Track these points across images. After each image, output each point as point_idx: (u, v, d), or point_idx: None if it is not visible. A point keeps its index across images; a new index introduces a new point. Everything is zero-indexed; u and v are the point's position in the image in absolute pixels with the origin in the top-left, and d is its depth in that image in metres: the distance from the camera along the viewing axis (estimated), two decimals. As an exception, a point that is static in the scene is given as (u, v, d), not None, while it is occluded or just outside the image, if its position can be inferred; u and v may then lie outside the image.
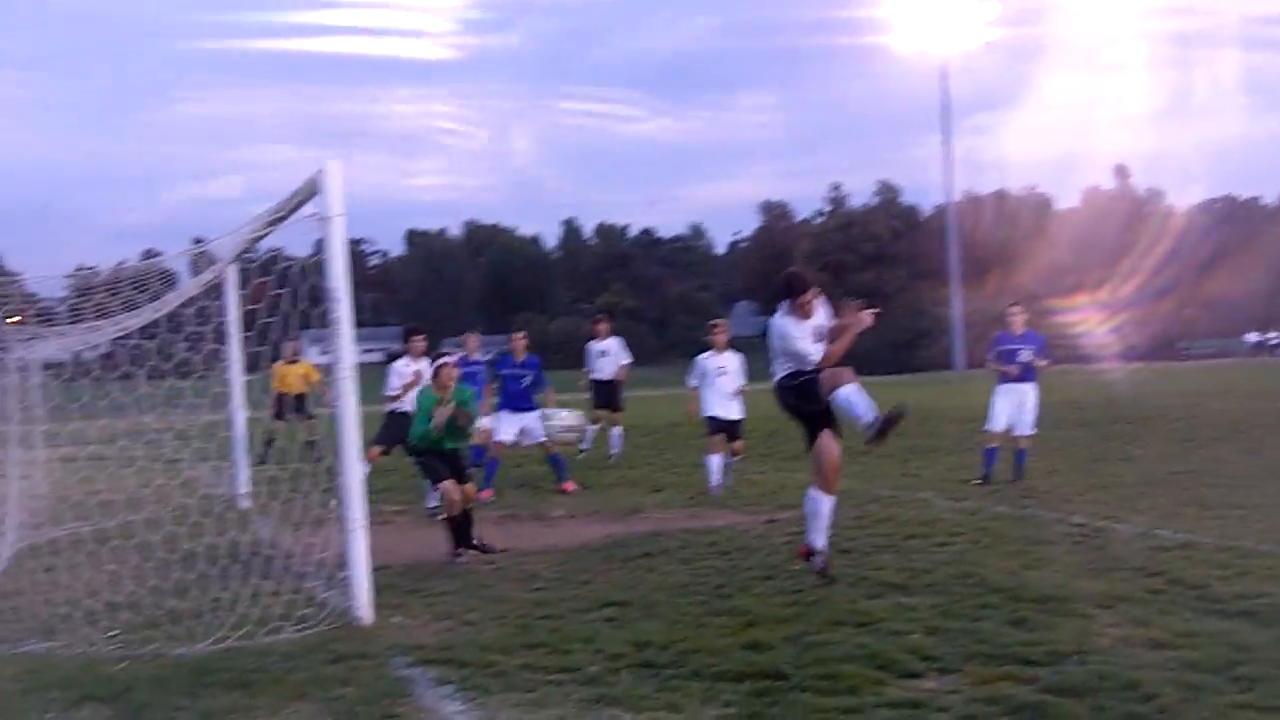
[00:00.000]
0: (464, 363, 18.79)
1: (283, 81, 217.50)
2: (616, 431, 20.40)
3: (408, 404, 13.43)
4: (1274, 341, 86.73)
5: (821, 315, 10.05)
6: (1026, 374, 15.40)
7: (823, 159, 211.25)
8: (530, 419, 16.45)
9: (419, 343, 15.00)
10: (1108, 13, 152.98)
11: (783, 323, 9.83)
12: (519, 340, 16.91)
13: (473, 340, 19.30)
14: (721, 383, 15.26)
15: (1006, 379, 15.27)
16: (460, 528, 11.47)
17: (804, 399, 9.69)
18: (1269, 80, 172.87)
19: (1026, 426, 15.19)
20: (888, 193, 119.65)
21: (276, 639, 8.40)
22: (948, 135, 74.94)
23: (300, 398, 21.72)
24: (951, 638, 7.73)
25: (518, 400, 16.49)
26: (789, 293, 9.92)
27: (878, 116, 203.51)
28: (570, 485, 16.36)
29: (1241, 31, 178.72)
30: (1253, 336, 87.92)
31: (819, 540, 9.62)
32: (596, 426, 20.18)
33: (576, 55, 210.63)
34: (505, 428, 16.43)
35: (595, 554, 11.49)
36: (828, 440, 9.65)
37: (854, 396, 9.35)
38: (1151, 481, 15.02)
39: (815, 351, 9.77)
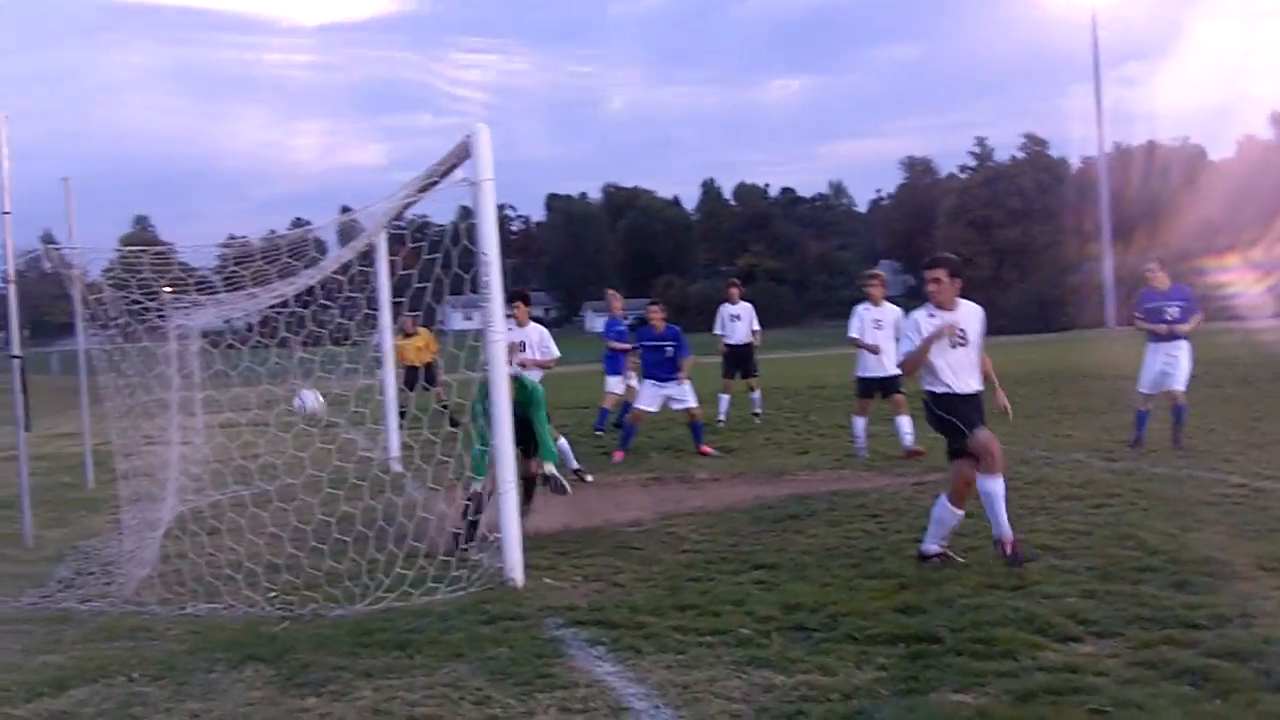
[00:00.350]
0: (610, 324, 19.02)
1: (426, 49, 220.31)
2: (756, 395, 20.37)
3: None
4: None
5: (960, 310, 9.19)
6: (1176, 331, 14.81)
7: (966, 113, 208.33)
8: (673, 388, 16.48)
9: (521, 309, 14.44)
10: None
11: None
12: (655, 313, 16.85)
13: (617, 301, 19.40)
14: (876, 337, 15.06)
15: (1157, 338, 14.74)
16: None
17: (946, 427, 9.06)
18: None
19: (1178, 383, 14.58)
20: (1034, 145, 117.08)
21: (431, 600, 8.57)
22: (1098, 85, 72.95)
23: (426, 368, 21.85)
24: (1110, 601, 7.58)
25: (661, 371, 16.53)
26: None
27: (1023, 68, 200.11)
28: (707, 449, 16.38)
29: None
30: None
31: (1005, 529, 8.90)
32: (727, 397, 20.14)
33: (716, 13, 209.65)
34: (648, 397, 16.51)
35: (742, 516, 11.49)
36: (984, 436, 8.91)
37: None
38: (1313, 440, 14.52)
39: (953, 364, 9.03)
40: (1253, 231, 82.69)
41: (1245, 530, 9.51)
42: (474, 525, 10.25)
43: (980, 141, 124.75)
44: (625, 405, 18.42)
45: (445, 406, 20.67)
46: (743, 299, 20.39)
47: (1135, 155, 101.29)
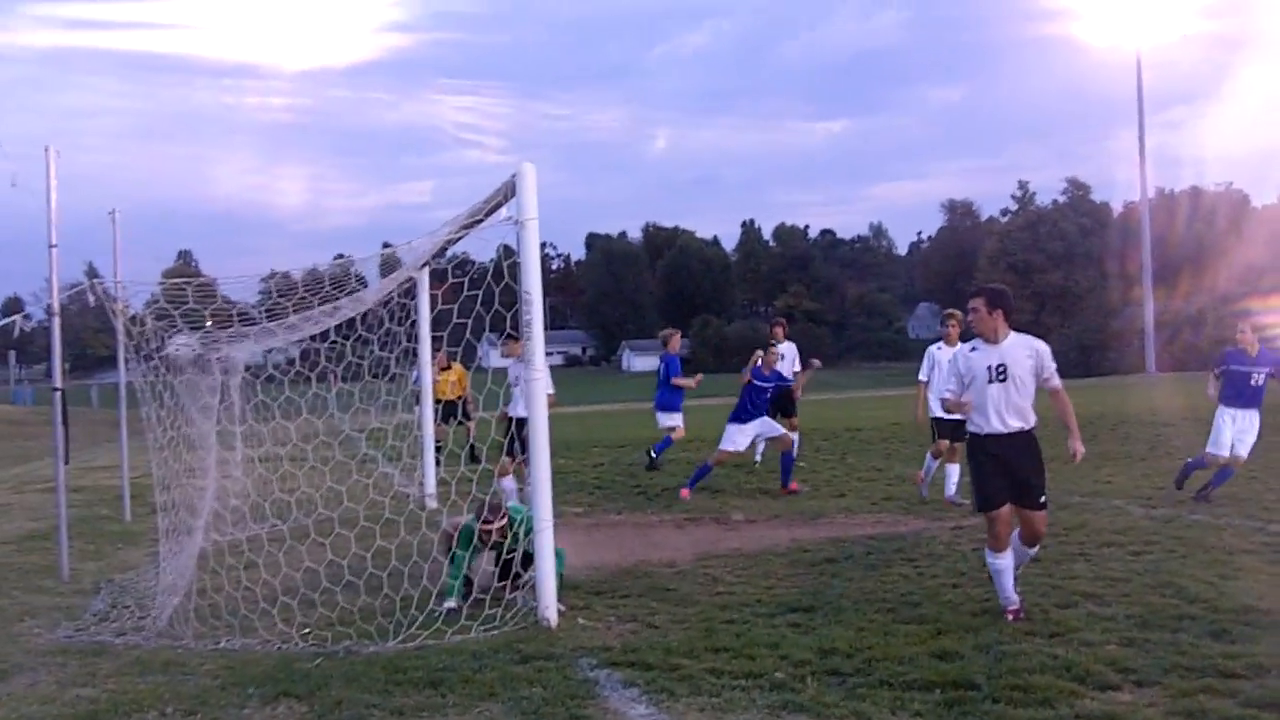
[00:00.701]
0: (671, 361, 19.12)
1: (476, 89, 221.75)
2: (794, 437, 20.24)
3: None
4: None
5: (1006, 343, 8.82)
6: (1256, 397, 14.24)
7: (1009, 156, 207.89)
8: (760, 423, 16.60)
9: (515, 344, 14.33)
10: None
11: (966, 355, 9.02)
12: (774, 353, 17.13)
13: (675, 339, 19.44)
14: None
15: (1234, 402, 14.21)
16: None
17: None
18: None
19: (1244, 450, 14.19)
20: (1077, 190, 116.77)
21: (465, 638, 8.56)
22: (1141, 130, 72.71)
23: (456, 403, 21.79)
24: (1149, 649, 7.51)
25: (758, 411, 16.60)
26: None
27: (1067, 112, 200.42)
28: (795, 485, 16.45)
29: None
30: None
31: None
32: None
33: (760, 55, 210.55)
34: (739, 438, 16.57)
35: (778, 559, 11.44)
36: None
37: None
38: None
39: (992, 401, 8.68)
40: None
41: (1288, 580, 9.40)
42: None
43: (1022, 185, 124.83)
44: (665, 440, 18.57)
45: (473, 446, 20.74)
46: (787, 338, 20.29)
47: (1178, 200, 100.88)
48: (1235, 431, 14.09)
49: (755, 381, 16.57)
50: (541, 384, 9.21)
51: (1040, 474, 8.65)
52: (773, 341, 17.34)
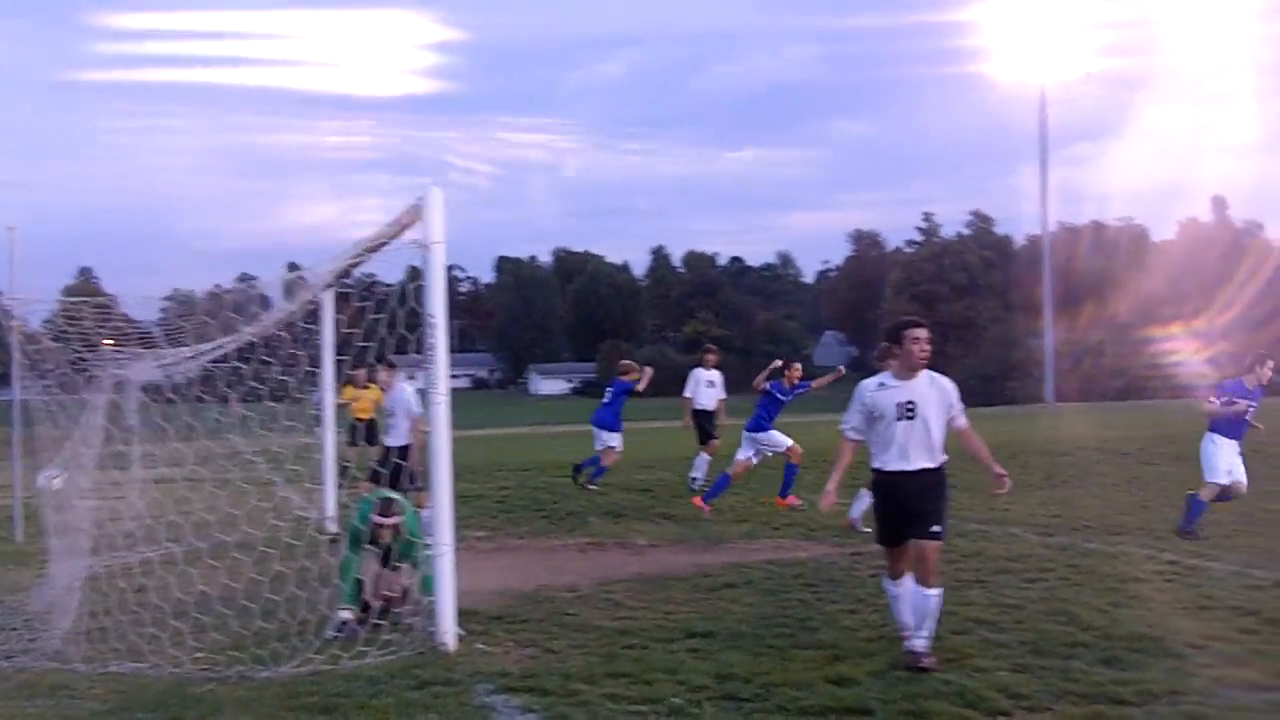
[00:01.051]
0: (619, 385, 19.59)
1: (380, 112, 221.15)
2: (703, 459, 20.29)
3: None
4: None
5: (917, 379, 8.44)
6: (1242, 429, 14.13)
7: (915, 189, 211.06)
8: (769, 435, 16.87)
9: (386, 373, 14.93)
10: (1207, 43, 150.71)
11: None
12: (796, 369, 17.27)
13: (634, 371, 20.05)
14: None
15: (1233, 433, 14.03)
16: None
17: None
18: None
19: (1245, 478, 14.06)
20: (981, 222, 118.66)
21: (361, 664, 8.47)
22: (1044, 165, 74.12)
23: (371, 424, 21.54)
24: (1041, 676, 7.62)
25: (770, 423, 16.92)
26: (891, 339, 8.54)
27: (973, 146, 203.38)
28: (794, 500, 16.76)
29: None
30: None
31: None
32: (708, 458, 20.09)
33: (674, 86, 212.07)
34: (752, 450, 16.88)
35: (680, 584, 11.44)
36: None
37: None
38: (1247, 519, 14.65)
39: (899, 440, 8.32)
40: (1193, 306, 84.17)
41: (1175, 607, 9.60)
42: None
43: (928, 217, 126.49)
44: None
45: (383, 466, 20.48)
46: (717, 366, 20.40)
47: (1080, 234, 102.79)
48: (1232, 462, 14.07)
49: (775, 394, 16.80)
50: (443, 408, 9.14)
51: (940, 508, 8.35)
52: (795, 362, 17.54)
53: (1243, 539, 13.19)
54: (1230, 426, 14.00)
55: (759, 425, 16.86)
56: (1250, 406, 13.95)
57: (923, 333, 8.33)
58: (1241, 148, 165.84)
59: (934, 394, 8.33)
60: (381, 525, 9.70)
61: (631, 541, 14.43)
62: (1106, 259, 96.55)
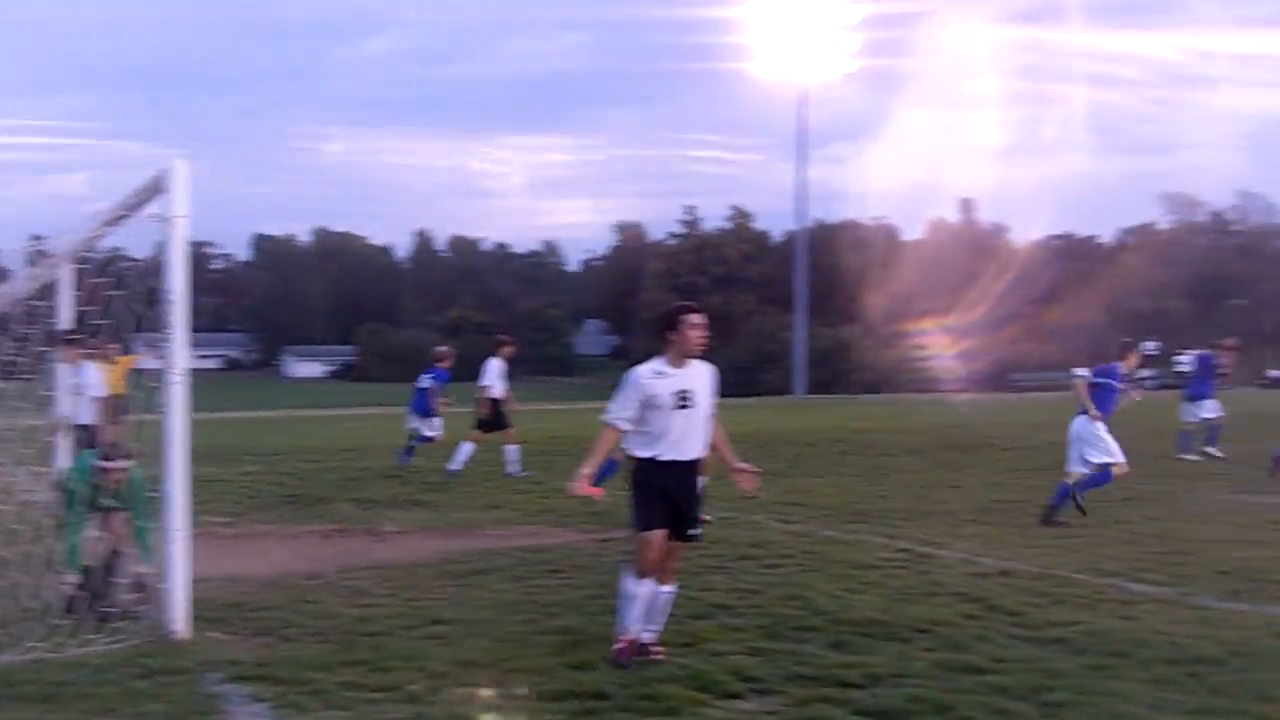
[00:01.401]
0: (438, 372, 19.50)
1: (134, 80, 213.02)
2: (466, 448, 20.22)
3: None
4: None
5: (691, 368, 8.17)
6: (1111, 410, 14.75)
7: (679, 182, 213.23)
8: None
9: (74, 349, 13.77)
10: (963, 49, 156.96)
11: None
12: None
13: (447, 359, 20.06)
14: None
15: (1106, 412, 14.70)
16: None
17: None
18: (1110, 121, 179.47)
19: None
20: (741, 217, 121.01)
21: (87, 652, 8.14)
22: (802, 163, 75.95)
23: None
24: (773, 659, 7.83)
25: None
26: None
27: (736, 141, 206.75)
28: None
29: (1088, 71, 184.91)
30: (1080, 371, 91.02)
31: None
32: (516, 446, 20.11)
33: (443, 66, 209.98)
34: None
35: (426, 571, 11.35)
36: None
37: None
38: (977, 509, 15.37)
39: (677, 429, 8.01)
40: (939, 305, 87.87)
41: (904, 593, 9.98)
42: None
43: (689, 210, 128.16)
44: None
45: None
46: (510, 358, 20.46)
47: (834, 231, 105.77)
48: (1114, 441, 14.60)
49: None
50: (181, 388, 8.84)
51: (697, 505, 8.26)
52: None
53: (972, 528, 13.77)
54: (1106, 407, 14.66)
55: None
56: (1127, 389, 14.80)
57: (700, 319, 8.07)
58: (990, 151, 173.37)
59: (705, 382, 8.15)
60: (108, 470, 9.26)
61: (379, 528, 14.25)
62: (860, 256, 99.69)
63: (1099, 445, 14.46)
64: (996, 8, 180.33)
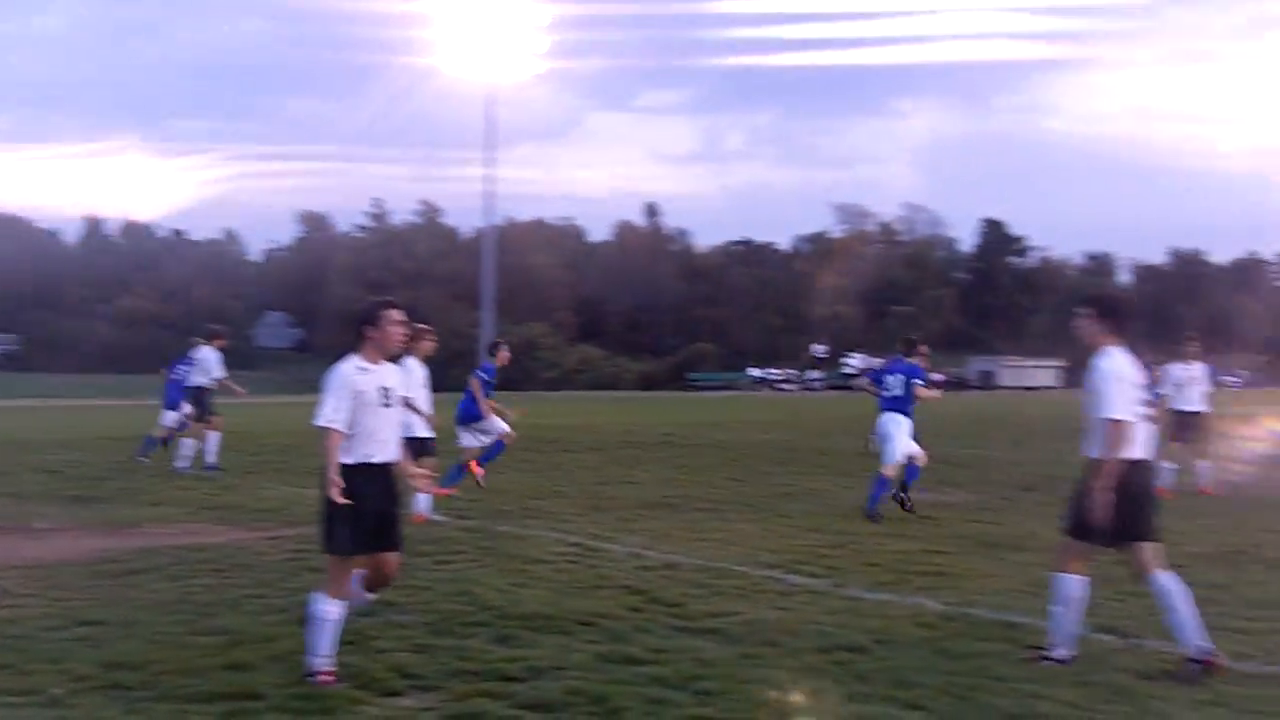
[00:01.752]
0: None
1: None
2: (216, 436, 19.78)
3: None
4: (774, 377, 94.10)
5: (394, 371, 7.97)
6: (909, 407, 15.13)
7: (367, 174, 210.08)
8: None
9: None
10: (650, 55, 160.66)
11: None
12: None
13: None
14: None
15: (904, 410, 15.11)
16: None
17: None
18: (784, 133, 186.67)
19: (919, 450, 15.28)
20: (430, 212, 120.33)
21: None
22: (491, 161, 75.94)
23: None
24: (437, 655, 7.81)
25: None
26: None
27: (427, 137, 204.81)
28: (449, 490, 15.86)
29: (772, 82, 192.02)
30: (754, 371, 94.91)
31: None
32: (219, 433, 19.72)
33: (118, 45, 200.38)
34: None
35: (79, 570, 10.85)
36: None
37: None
38: (648, 504, 15.76)
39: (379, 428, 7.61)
40: (624, 305, 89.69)
41: (572, 587, 10.13)
42: None
43: (377, 202, 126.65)
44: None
45: None
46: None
47: (523, 230, 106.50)
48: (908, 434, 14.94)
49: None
50: None
51: (401, 507, 7.86)
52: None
53: (641, 523, 14.10)
54: (902, 404, 14.98)
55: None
56: (916, 384, 15.01)
57: (401, 315, 7.72)
58: (675, 158, 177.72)
59: (399, 381, 7.85)
60: None
61: (31, 525, 13.52)
62: (546, 256, 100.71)
63: (891, 443, 14.96)
64: (681, 16, 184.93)
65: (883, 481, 14.82)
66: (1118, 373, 7.77)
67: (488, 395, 16.89)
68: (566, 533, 13.24)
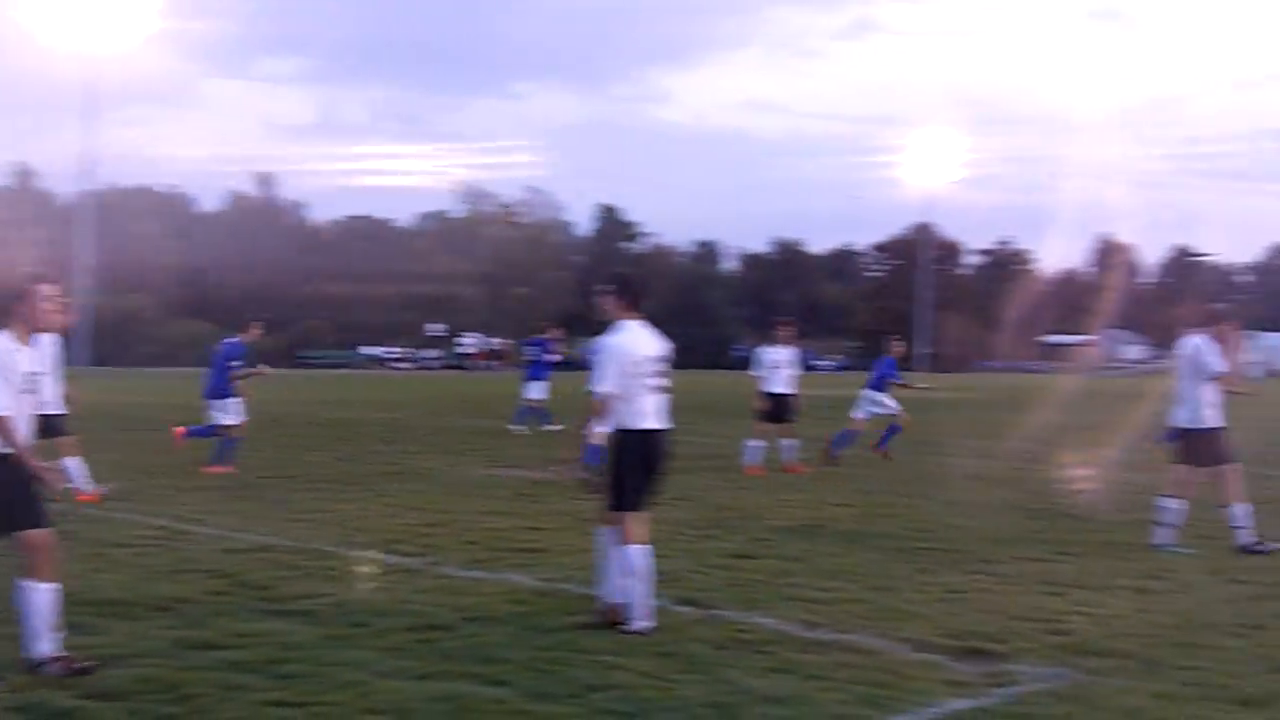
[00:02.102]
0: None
1: None
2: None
3: None
4: (390, 355, 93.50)
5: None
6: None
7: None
8: None
9: None
10: (268, 22, 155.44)
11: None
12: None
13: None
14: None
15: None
16: None
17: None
18: (406, 109, 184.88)
19: None
20: (25, 176, 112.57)
21: None
22: (91, 123, 72.03)
23: None
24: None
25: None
26: None
27: (18, 94, 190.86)
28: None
29: (395, 55, 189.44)
30: (369, 349, 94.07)
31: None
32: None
33: None
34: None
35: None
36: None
37: None
38: (248, 485, 15.34)
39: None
40: (233, 278, 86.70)
41: (152, 571, 9.78)
42: None
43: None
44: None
45: None
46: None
47: (126, 197, 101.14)
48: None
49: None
50: None
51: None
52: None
53: (239, 504, 13.71)
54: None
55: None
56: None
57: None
58: (294, 128, 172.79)
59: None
60: None
61: None
62: (150, 225, 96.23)
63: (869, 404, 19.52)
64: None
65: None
66: (622, 348, 8.23)
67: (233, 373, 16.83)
68: (153, 515, 12.72)
